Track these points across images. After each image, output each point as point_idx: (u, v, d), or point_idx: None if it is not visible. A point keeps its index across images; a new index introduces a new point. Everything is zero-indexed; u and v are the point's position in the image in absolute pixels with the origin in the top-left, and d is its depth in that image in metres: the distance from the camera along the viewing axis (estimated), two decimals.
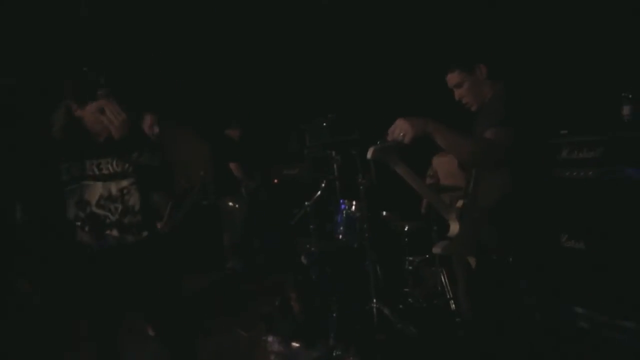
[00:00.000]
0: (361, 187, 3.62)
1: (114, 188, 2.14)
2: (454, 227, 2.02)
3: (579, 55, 3.30)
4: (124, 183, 2.16)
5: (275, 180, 5.51)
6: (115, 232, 2.14)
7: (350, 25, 4.77)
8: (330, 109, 4.93)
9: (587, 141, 2.85)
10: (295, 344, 3.13)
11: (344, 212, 3.83)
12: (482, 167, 1.94)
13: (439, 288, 3.69)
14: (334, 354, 3.00)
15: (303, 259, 3.83)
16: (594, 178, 2.81)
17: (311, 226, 4.05)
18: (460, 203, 2.14)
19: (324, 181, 4.00)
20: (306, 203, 4.02)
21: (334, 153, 4.05)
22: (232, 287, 4.84)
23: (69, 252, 2.13)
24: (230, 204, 5.07)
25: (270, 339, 3.18)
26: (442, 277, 3.67)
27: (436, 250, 1.95)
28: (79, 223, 2.09)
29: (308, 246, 3.91)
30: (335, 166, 4.05)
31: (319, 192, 3.99)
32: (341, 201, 3.87)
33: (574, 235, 2.90)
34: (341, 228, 3.82)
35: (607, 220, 2.74)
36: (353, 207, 3.77)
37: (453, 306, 3.54)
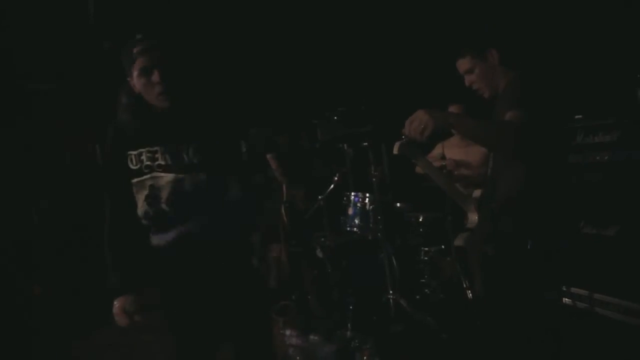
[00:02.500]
0: (374, 180, 3.61)
1: (187, 182, 1.78)
2: (473, 218, 2.01)
3: (593, 38, 3.25)
4: (201, 177, 1.79)
5: None
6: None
7: (357, 14, 4.74)
8: (341, 102, 4.92)
9: (603, 125, 2.81)
10: (313, 337, 3.14)
11: (358, 204, 3.83)
12: (505, 151, 1.90)
13: (455, 278, 3.67)
14: (352, 346, 3.02)
15: (318, 253, 3.84)
16: (610, 162, 2.77)
17: (325, 220, 4.05)
18: (477, 193, 2.13)
19: (337, 174, 4.00)
20: (319, 197, 4.02)
21: (345, 146, 4.04)
22: None
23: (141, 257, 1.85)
24: None
25: (288, 332, 3.21)
26: (458, 267, 3.66)
27: (458, 242, 1.95)
28: (146, 222, 1.81)
29: (323, 239, 3.92)
30: (347, 159, 4.04)
31: (332, 186, 3.99)
32: (354, 194, 3.87)
33: (591, 221, 2.87)
34: (355, 221, 3.82)
35: (624, 204, 2.71)
36: (366, 200, 3.76)
37: (470, 296, 3.53)
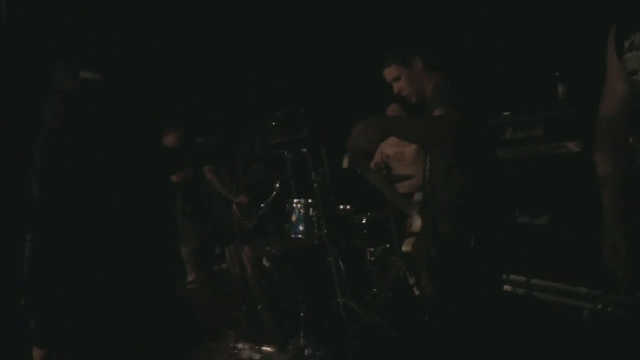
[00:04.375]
0: (315, 185, 3.62)
1: None
2: (417, 222, 2.06)
3: (513, 39, 3.42)
4: None
5: None
6: None
7: (295, 20, 4.75)
8: (279, 107, 4.91)
9: (528, 120, 2.97)
10: (266, 349, 3.10)
11: (301, 210, 3.82)
12: (438, 145, 1.95)
13: (402, 276, 3.75)
14: (306, 353, 3.00)
15: (265, 262, 3.80)
16: (536, 155, 2.94)
17: (269, 228, 4.02)
18: (419, 197, 2.19)
19: (279, 181, 3.97)
20: (262, 205, 3.98)
21: (286, 152, 4.02)
22: (196, 298, 4.75)
23: None
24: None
25: (240, 346, 3.14)
26: (404, 266, 3.74)
27: (407, 248, 1.98)
28: None
29: (268, 248, 3.88)
30: (288, 165, 4.03)
31: (274, 193, 3.96)
32: (297, 200, 3.86)
33: (524, 211, 3.02)
34: (300, 227, 3.81)
35: (553, 194, 2.87)
36: (309, 206, 3.76)
37: (417, 292, 3.61)
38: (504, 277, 3.06)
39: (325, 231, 3.62)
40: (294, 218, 3.88)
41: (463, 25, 3.66)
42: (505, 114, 3.11)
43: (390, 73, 2.13)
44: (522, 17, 3.36)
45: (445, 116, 1.79)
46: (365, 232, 3.97)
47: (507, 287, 3.14)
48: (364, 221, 3.95)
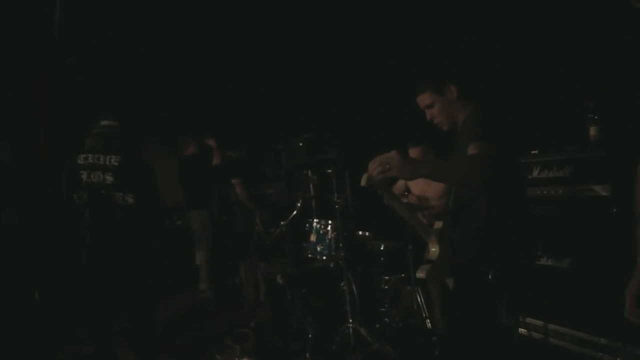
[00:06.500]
0: (337, 207, 3.62)
1: None
2: (435, 250, 2.03)
3: (549, 78, 3.41)
4: None
5: None
6: None
7: (322, 47, 4.83)
8: (307, 129, 4.96)
9: (557, 160, 2.92)
10: None
11: (320, 231, 3.82)
12: (473, 182, 1.94)
13: (415, 307, 3.69)
14: None
15: (279, 279, 3.79)
16: (563, 196, 2.88)
17: (287, 246, 4.02)
18: (438, 224, 2.16)
19: (300, 201, 3.99)
20: (282, 222, 3.99)
21: (310, 172, 4.04)
22: (206, 308, 4.75)
23: None
24: (196, 219, 4.98)
25: None
26: (418, 296, 3.68)
27: (420, 274, 1.94)
28: None
29: (283, 265, 3.88)
30: (311, 186, 4.04)
31: (295, 212, 3.97)
32: (317, 221, 3.86)
33: (545, 252, 2.96)
34: (317, 248, 3.80)
35: (577, 238, 2.81)
36: (329, 227, 3.76)
37: (429, 325, 3.55)
38: (520, 318, 2.98)
39: (342, 254, 3.60)
40: (312, 238, 3.87)
41: (502, 58, 3.66)
42: (533, 152, 3.07)
43: (423, 99, 2.14)
44: (561, 58, 3.35)
45: (480, 154, 1.77)
46: (382, 259, 3.93)
47: (522, 330, 3.06)
48: (381, 248, 3.92)
